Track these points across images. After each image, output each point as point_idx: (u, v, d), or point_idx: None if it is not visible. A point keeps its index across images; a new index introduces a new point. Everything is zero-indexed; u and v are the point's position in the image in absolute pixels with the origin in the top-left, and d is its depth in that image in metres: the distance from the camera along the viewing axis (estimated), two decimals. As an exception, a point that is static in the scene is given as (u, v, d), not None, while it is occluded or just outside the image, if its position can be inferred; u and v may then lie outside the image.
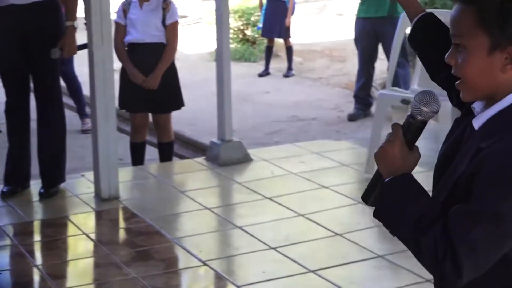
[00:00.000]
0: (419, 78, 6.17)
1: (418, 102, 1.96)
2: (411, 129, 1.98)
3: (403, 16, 6.36)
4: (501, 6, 1.90)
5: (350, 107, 8.96)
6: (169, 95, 6.35)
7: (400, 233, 1.92)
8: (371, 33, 8.30)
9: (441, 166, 2.04)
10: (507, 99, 1.93)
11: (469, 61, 1.93)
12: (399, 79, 7.99)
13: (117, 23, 6.35)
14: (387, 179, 1.95)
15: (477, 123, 1.95)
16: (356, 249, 4.72)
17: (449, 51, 1.99)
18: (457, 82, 1.98)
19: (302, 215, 5.25)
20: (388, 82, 6.31)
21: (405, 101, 5.90)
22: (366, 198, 2.06)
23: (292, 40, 11.66)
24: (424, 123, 1.98)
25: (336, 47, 13.62)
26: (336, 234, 4.93)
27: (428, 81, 6.25)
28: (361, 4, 8.38)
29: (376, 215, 1.97)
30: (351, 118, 8.63)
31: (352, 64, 10.66)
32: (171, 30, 6.24)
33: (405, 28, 6.45)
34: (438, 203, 1.91)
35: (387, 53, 7.68)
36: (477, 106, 1.99)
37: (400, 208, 1.91)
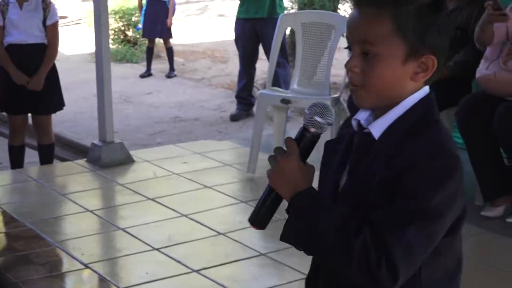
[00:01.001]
0: (299, 78, 6.26)
1: (312, 113, 1.89)
2: (305, 142, 1.91)
3: (281, 17, 6.44)
4: (417, 13, 1.84)
5: (232, 107, 9.01)
6: (50, 96, 6.26)
7: (322, 250, 1.82)
8: (251, 34, 8.37)
9: (332, 179, 1.98)
10: (404, 104, 1.89)
11: (381, 69, 1.85)
12: (280, 79, 8.08)
13: None
14: (295, 198, 1.85)
15: (376, 131, 1.90)
16: (240, 248, 4.75)
17: (350, 59, 1.88)
18: (355, 88, 1.89)
19: (185, 215, 5.25)
20: (268, 82, 6.37)
21: (285, 101, 5.97)
22: (258, 221, 1.94)
23: (174, 41, 11.65)
24: (318, 136, 1.92)
25: (218, 47, 13.67)
26: (219, 233, 4.95)
27: (306, 81, 6.37)
28: (241, 5, 8.43)
29: (286, 238, 1.88)
30: (233, 118, 8.68)
31: (234, 65, 10.73)
32: (52, 30, 6.17)
33: (284, 28, 6.53)
34: (351, 211, 1.83)
35: (268, 53, 7.76)
36: (361, 117, 1.95)
37: (317, 224, 1.81)
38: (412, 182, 1.78)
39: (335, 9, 10.25)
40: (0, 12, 6.21)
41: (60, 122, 8.15)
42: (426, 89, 1.91)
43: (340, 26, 6.14)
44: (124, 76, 11.32)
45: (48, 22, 6.15)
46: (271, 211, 1.93)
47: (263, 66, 9.76)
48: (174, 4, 11.55)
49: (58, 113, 6.56)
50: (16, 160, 6.44)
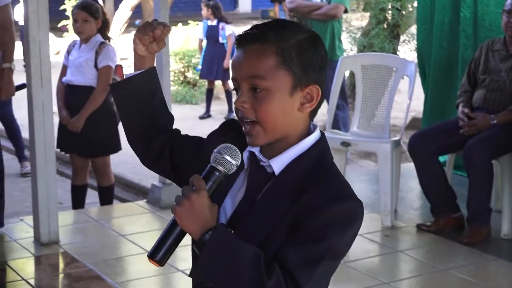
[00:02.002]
0: (358, 121, 6.25)
1: (223, 153, 1.92)
2: (213, 181, 1.92)
3: (341, 59, 6.46)
4: (299, 46, 1.94)
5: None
6: (101, 138, 6.29)
7: (233, 285, 1.84)
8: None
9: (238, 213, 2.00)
10: (304, 144, 1.98)
11: (271, 102, 1.92)
12: (339, 121, 8.07)
13: (63, 64, 6.36)
14: (208, 236, 1.85)
15: (277, 166, 1.97)
16: None
17: (239, 96, 1.95)
18: (248, 128, 1.95)
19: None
20: (328, 124, 6.37)
21: (345, 143, 5.95)
22: (160, 257, 1.91)
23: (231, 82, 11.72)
24: (225, 176, 1.94)
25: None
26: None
27: (367, 124, 6.34)
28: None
29: (198, 275, 1.90)
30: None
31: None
32: (101, 73, 6.15)
33: (344, 70, 6.54)
34: (258, 248, 1.87)
35: (327, 95, 7.77)
36: (255, 149, 2.00)
37: (232, 262, 1.83)
38: (323, 225, 1.86)
39: (394, 51, 10.24)
40: (67, 51, 6.34)
41: (121, 163, 8.23)
42: (318, 133, 2.02)
43: (400, 68, 6.14)
44: (183, 117, 11.41)
45: (100, 65, 6.17)
46: (174, 246, 1.93)
47: (322, 108, 9.72)
48: (232, 46, 11.65)
49: (119, 154, 6.61)
50: (77, 200, 6.50)
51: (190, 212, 1.86)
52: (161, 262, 1.93)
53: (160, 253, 1.92)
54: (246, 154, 2.01)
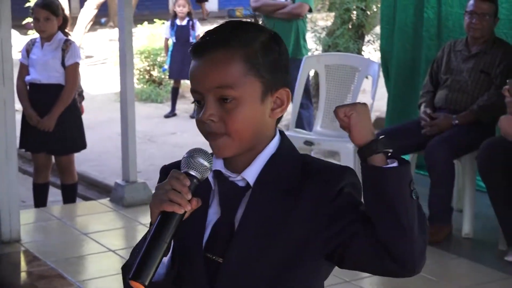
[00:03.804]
0: (322, 120, 6.27)
1: (195, 156, 1.78)
2: (191, 188, 1.76)
3: (305, 59, 6.48)
4: (263, 49, 1.84)
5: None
6: (69, 137, 6.27)
7: None
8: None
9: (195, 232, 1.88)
10: (270, 147, 1.88)
11: (243, 111, 1.81)
12: (303, 121, 8.08)
13: (20, 63, 6.30)
14: None
15: (250, 177, 1.85)
16: None
17: (205, 109, 1.81)
18: (215, 140, 1.82)
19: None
20: (291, 124, 6.39)
21: (308, 143, 5.98)
22: (146, 276, 1.68)
23: (198, 81, 11.69)
24: (199, 180, 1.78)
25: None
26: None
27: (330, 123, 6.36)
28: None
29: None
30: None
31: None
32: (69, 71, 6.14)
33: (307, 70, 6.56)
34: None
35: (292, 95, 7.79)
36: (219, 167, 1.89)
37: None
38: (349, 193, 1.82)
39: (359, 51, 10.29)
40: (26, 51, 6.29)
41: (85, 161, 8.20)
42: (277, 132, 1.92)
43: (363, 68, 6.18)
44: (148, 116, 11.38)
45: (67, 63, 6.15)
46: (159, 262, 1.72)
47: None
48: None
49: (82, 152, 6.59)
50: (40, 199, 6.46)
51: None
52: (146, 282, 1.68)
53: (146, 273, 1.69)
54: (211, 174, 1.86)
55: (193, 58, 1.86)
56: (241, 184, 1.87)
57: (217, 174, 1.89)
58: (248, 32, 1.86)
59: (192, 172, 1.77)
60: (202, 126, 1.84)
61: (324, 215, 1.80)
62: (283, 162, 1.88)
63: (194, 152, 1.79)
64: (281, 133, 1.94)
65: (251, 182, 1.85)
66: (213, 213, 1.89)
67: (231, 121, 1.81)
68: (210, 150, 1.84)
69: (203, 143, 1.87)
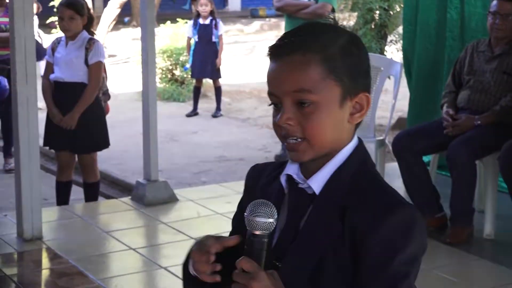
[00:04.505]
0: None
1: (254, 215, 1.71)
2: (258, 249, 1.72)
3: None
4: (343, 53, 1.78)
5: (277, 147, 9.02)
6: (92, 135, 6.30)
7: None
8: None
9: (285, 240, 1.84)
10: (339, 157, 1.81)
11: (322, 117, 1.76)
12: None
13: (46, 61, 6.34)
14: None
15: (316, 186, 1.80)
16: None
17: (282, 113, 1.76)
18: (293, 143, 1.78)
19: (227, 256, 5.24)
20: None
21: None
22: None
23: (221, 80, 11.72)
24: (267, 236, 1.72)
25: (264, 88, 13.58)
26: (261, 274, 4.93)
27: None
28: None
29: None
30: (278, 158, 8.68)
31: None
32: (92, 70, 6.16)
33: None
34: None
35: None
36: (292, 172, 1.84)
37: None
38: (383, 248, 1.71)
39: (382, 51, 10.27)
40: (51, 49, 6.32)
41: (107, 160, 8.24)
42: (356, 139, 1.84)
43: (386, 68, 6.16)
44: (170, 115, 11.41)
45: (90, 62, 6.16)
46: None
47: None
48: (223, 45, 11.64)
49: (105, 150, 6.61)
50: (62, 197, 6.49)
51: None
52: None
53: None
54: (283, 178, 1.85)
55: (270, 60, 1.82)
56: (309, 191, 1.82)
57: (289, 178, 1.85)
58: (328, 34, 1.80)
59: (256, 232, 1.72)
60: (279, 130, 1.80)
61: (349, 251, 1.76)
62: (350, 174, 1.80)
63: (252, 211, 1.72)
64: (360, 140, 1.87)
65: (317, 191, 1.80)
66: (284, 218, 1.84)
67: (310, 126, 1.76)
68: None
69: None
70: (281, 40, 1.81)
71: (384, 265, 1.71)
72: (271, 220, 1.71)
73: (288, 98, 1.76)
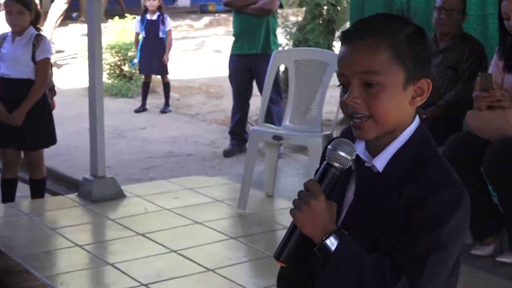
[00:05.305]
0: (291, 115, 6.27)
1: (337, 149, 1.94)
2: (330, 178, 1.95)
3: (274, 54, 6.47)
4: (409, 40, 1.95)
5: (226, 143, 9.02)
6: (39, 132, 6.23)
7: None
8: (245, 70, 8.40)
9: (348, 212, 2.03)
10: (402, 137, 1.98)
11: (387, 97, 1.92)
12: (273, 116, 8.10)
13: None
14: (330, 241, 1.88)
15: (379, 165, 1.97)
16: (228, 285, 4.73)
17: (350, 92, 1.94)
18: (359, 121, 1.94)
19: (175, 251, 5.23)
20: (260, 118, 6.38)
21: (276, 137, 5.97)
22: (284, 257, 1.97)
23: (170, 76, 11.68)
24: (342, 171, 1.96)
25: (213, 83, 13.73)
26: (208, 269, 4.93)
27: (299, 118, 6.36)
28: (235, 42, 8.47)
29: (323, 285, 1.92)
30: (227, 154, 8.68)
31: (229, 101, 10.73)
32: (40, 66, 6.10)
33: (276, 65, 6.55)
34: (383, 255, 1.89)
35: (261, 89, 7.79)
36: (359, 151, 2.00)
37: (357, 272, 1.86)
38: (425, 217, 1.86)
39: (329, 46, 10.31)
40: (-3, 45, 6.25)
41: (54, 156, 8.16)
42: (418, 120, 2.01)
43: (333, 63, 6.17)
44: (118, 110, 11.34)
45: (37, 58, 6.10)
46: (296, 247, 1.97)
47: (257, 102, 9.77)
48: (171, 40, 11.59)
49: (52, 147, 6.55)
50: (7, 194, 6.42)
51: (310, 218, 1.90)
52: (285, 262, 1.97)
53: (285, 254, 1.96)
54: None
55: (342, 44, 1.99)
56: (374, 169, 1.99)
57: (357, 157, 2.00)
58: (396, 23, 1.98)
59: (335, 164, 1.95)
60: (346, 108, 1.97)
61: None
62: (411, 154, 1.96)
63: (337, 145, 1.95)
64: (421, 122, 2.03)
65: (380, 169, 1.97)
66: (351, 195, 2.03)
67: (375, 105, 1.93)
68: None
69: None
70: (354, 26, 2.00)
71: (423, 233, 1.86)
72: (349, 157, 1.94)
73: (356, 79, 1.94)
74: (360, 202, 1.99)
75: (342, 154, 1.94)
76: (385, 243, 1.90)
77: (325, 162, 1.96)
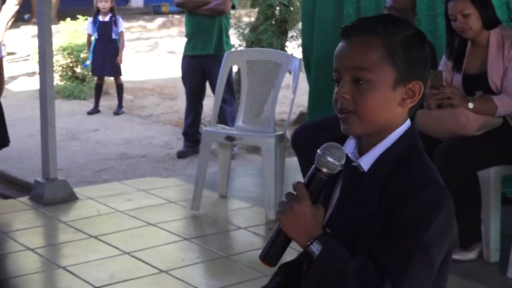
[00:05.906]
0: (244, 115, 6.28)
1: (326, 154, 1.95)
2: (316, 183, 1.96)
3: (226, 54, 6.47)
4: (405, 42, 1.98)
5: (179, 144, 8.99)
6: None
7: None
8: (198, 71, 8.38)
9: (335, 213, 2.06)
10: (390, 138, 1.99)
11: (374, 94, 1.95)
12: (226, 116, 8.10)
13: None
14: (314, 247, 1.88)
15: (365, 164, 1.99)
16: (182, 286, 4.72)
17: (341, 86, 1.98)
18: (344, 116, 1.98)
19: (128, 253, 5.21)
20: (213, 119, 6.38)
21: (229, 138, 5.98)
22: (269, 259, 1.98)
23: (123, 77, 11.61)
24: (330, 176, 1.97)
25: (167, 84, 13.68)
26: (161, 271, 4.91)
27: (252, 118, 6.37)
28: (188, 43, 8.46)
29: (309, 285, 1.92)
30: (180, 155, 8.66)
31: (183, 102, 10.70)
32: None
33: (228, 66, 6.55)
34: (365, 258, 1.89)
35: (214, 90, 7.78)
36: (348, 150, 2.02)
37: (340, 275, 1.86)
38: (407, 219, 1.87)
39: (282, 47, 10.33)
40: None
41: (5, 159, 8.06)
42: (408, 122, 2.03)
43: (285, 63, 6.19)
44: (71, 112, 11.25)
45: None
46: (281, 249, 1.98)
47: (211, 103, 9.75)
48: (124, 42, 11.52)
49: (3, 150, 6.46)
50: (-42, 198, 6.34)
51: (293, 222, 1.91)
52: (271, 263, 1.99)
53: (270, 256, 1.98)
54: None
55: (340, 40, 2.03)
56: (361, 169, 2.00)
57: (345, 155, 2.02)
58: (395, 24, 2.01)
59: (323, 169, 1.96)
60: (336, 103, 2.01)
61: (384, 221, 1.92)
62: (397, 155, 1.98)
63: (325, 150, 1.96)
64: (412, 124, 2.05)
65: (365, 169, 1.99)
66: (337, 191, 2.07)
67: (362, 101, 1.96)
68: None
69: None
70: (353, 23, 2.03)
71: (405, 235, 1.87)
72: (338, 163, 1.95)
73: (347, 74, 1.97)
74: (345, 199, 2.02)
75: (330, 159, 1.95)
76: (361, 241, 1.92)
77: (313, 166, 1.97)
